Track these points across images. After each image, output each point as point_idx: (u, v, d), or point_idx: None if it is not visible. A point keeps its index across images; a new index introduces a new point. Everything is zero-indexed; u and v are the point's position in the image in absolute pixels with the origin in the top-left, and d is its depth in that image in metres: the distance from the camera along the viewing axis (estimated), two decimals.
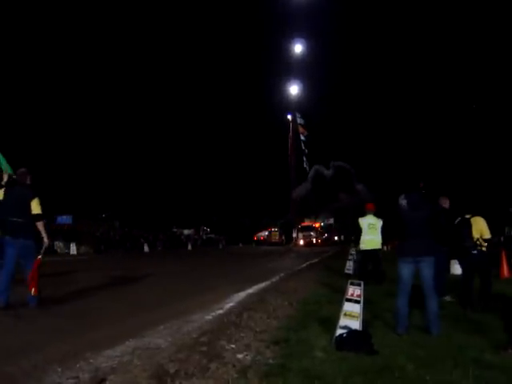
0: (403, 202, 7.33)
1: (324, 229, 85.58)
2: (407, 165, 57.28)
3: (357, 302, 6.34)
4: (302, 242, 75.39)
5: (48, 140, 60.18)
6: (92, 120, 67.50)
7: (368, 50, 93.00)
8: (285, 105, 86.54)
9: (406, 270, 7.23)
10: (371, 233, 13.83)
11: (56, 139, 61.26)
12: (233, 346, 6.37)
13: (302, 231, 79.07)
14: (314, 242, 75.31)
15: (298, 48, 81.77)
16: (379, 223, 13.81)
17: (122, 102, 72.82)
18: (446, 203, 11.56)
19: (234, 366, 5.48)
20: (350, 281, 6.63)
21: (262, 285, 14.42)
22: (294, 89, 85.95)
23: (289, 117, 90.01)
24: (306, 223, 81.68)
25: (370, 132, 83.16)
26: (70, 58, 65.84)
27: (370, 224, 13.94)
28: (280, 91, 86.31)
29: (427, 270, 7.14)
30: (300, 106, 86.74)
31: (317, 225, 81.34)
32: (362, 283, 6.53)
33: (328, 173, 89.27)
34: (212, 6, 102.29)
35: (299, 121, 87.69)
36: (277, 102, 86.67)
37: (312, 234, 77.60)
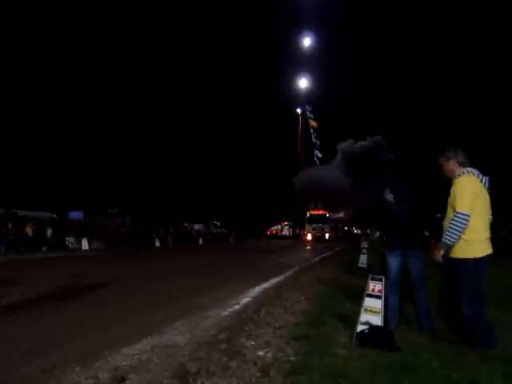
0: (389, 196, 7.20)
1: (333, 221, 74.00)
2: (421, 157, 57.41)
3: (378, 297, 6.21)
4: (309, 237, 62.26)
5: (59, 137, 60.40)
6: (103, 116, 67.70)
7: (376, 44, 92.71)
8: (294, 98, 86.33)
9: (394, 264, 7.09)
10: None
11: (67, 137, 61.48)
12: (252, 342, 6.27)
13: (310, 222, 65.07)
14: (327, 237, 61.85)
15: (307, 41, 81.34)
16: None
17: (133, 99, 73.01)
18: None
19: (255, 363, 5.37)
20: (370, 276, 6.49)
21: (277, 279, 14.33)
22: (303, 82, 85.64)
23: (298, 110, 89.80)
24: (316, 211, 68.48)
25: (380, 124, 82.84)
26: (78, 57, 65.92)
27: None
28: (289, 85, 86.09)
29: (415, 263, 7.02)
30: (310, 100, 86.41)
31: (321, 212, 68.08)
32: (384, 278, 6.40)
33: (364, 145, 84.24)
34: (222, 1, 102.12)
35: (309, 114, 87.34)
36: (286, 95, 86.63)
37: (324, 226, 64.04)
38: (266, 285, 12.96)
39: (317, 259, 24.63)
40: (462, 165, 5.92)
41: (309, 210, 69.57)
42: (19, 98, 57.72)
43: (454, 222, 5.63)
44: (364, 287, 6.43)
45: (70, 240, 36.34)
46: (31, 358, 5.77)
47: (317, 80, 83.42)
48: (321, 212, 67.42)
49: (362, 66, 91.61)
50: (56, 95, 62.24)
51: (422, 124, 71.47)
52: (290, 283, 13.10)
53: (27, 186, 54.67)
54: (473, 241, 5.68)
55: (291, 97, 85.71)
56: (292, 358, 5.52)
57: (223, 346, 6.07)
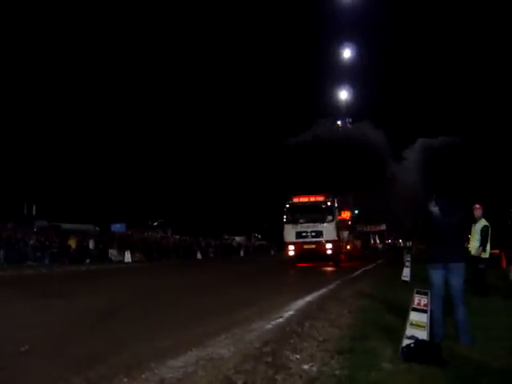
0: (435, 208, 7.10)
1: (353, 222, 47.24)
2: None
3: (424, 311, 6.15)
4: (291, 251, 30.98)
5: (102, 152, 61.37)
6: (145, 130, 68.53)
7: (418, 54, 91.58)
8: (335, 110, 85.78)
9: (436, 277, 7.06)
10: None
11: (110, 151, 62.39)
12: (297, 356, 6.25)
13: (293, 221, 31.66)
14: (330, 250, 30.38)
15: (347, 53, 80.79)
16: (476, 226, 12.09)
17: (176, 116, 73.52)
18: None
19: (300, 377, 5.36)
20: (416, 290, 6.43)
21: (320, 292, 14.26)
22: (343, 94, 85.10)
23: (338, 122, 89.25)
24: (303, 197, 32.56)
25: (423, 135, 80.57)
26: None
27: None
28: (329, 97, 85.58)
29: (456, 278, 6.98)
30: (350, 111, 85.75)
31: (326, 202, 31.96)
32: (429, 292, 6.33)
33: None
34: (263, 9, 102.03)
35: (350, 126, 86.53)
36: (326, 107, 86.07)
37: (320, 228, 31.01)
38: (308, 298, 12.91)
39: (359, 272, 24.48)
40: None
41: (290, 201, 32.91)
42: (62, 114, 58.89)
43: None
44: (407, 301, 6.38)
45: (112, 252, 36.81)
46: (79, 369, 5.85)
47: (358, 91, 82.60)
48: (313, 198, 32.27)
49: (403, 76, 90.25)
50: (97, 111, 63.30)
51: (466, 137, 69.08)
52: (332, 296, 13.04)
53: (71, 199, 55.56)
54: None
55: (331, 109, 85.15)
56: (337, 372, 5.48)
57: (268, 358, 6.07)
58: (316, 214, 31.44)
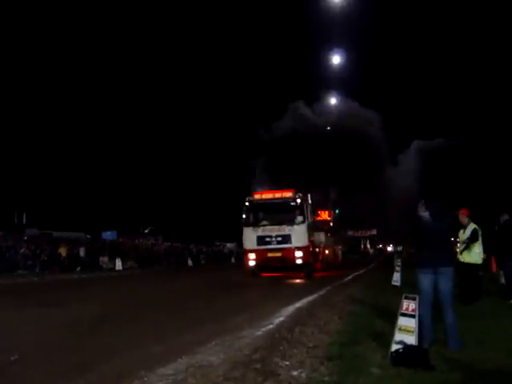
0: (425, 213, 7.15)
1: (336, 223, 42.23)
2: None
3: (412, 316, 6.19)
4: (251, 261, 24.90)
5: (92, 159, 61.22)
6: (134, 137, 68.37)
7: (408, 59, 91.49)
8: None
9: (425, 281, 7.10)
10: None
11: (100, 158, 62.26)
12: (287, 362, 6.27)
13: (254, 223, 25.59)
14: (300, 259, 24.29)
15: (337, 58, 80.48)
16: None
17: (169, 122, 73.37)
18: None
19: (289, 383, 5.38)
20: (404, 295, 6.47)
21: (310, 298, 14.27)
22: (332, 100, 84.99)
23: (328, 128, 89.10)
24: (266, 193, 27.09)
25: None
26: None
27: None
28: (322, 99, 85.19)
29: (445, 281, 7.04)
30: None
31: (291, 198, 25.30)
32: (417, 297, 6.37)
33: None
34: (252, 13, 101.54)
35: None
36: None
37: (289, 231, 24.71)
38: (298, 304, 12.92)
39: (349, 277, 24.47)
40: None
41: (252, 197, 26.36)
42: (53, 122, 58.80)
43: None
44: (398, 306, 6.42)
45: (103, 260, 36.71)
46: (69, 377, 5.87)
47: (349, 95, 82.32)
48: (279, 195, 26.36)
49: (399, 76, 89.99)
50: (90, 116, 63.24)
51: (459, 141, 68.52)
52: (322, 302, 13.05)
53: (61, 207, 55.46)
54: None
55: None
56: (326, 378, 5.50)
57: (257, 365, 6.07)
58: (283, 214, 25.85)
